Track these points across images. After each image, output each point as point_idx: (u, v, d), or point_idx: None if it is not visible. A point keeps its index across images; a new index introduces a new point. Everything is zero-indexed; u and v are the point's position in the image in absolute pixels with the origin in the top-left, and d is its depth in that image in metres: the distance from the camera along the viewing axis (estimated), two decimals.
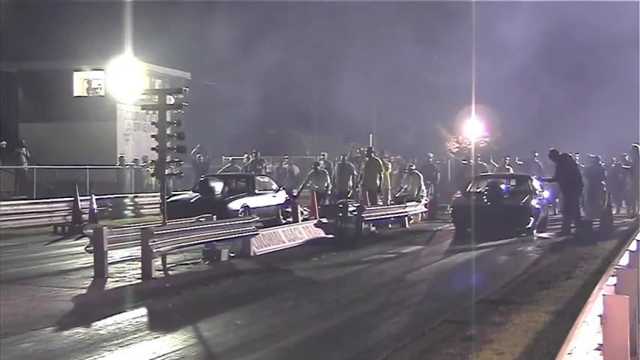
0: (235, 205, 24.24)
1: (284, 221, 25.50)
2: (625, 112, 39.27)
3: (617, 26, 39.78)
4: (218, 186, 25.46)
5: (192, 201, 24.20)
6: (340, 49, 49.74)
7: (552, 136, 40.17)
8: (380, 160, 28.82)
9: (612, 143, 31.18)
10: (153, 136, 17.54)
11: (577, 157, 27.72)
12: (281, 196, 26.78)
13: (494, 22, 42.84)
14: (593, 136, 36.33)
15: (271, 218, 24.55)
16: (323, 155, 34.26)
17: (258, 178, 27.31)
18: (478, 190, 24.37)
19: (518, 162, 32.62)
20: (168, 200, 21.04)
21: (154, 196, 27.94)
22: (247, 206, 24.46)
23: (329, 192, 28.46)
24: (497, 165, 33.25)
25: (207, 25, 44.54)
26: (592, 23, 42.45)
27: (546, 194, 25.89)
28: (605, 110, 42.59)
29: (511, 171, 30.40)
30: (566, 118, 46.66)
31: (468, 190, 25.04)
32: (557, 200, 29.02)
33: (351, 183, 28.55)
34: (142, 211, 29.81)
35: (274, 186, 27.25)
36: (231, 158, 34.55)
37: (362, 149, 31.63)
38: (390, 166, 31.59)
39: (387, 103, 52.38)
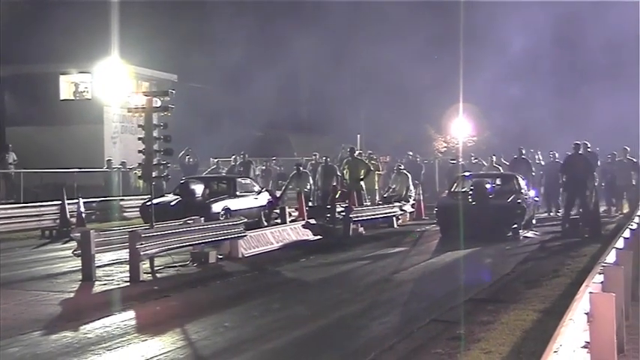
0: (216, 207, 24.06)
1: (266, 223, 25.44)
2: (617, 110, 39.35)
3: (613, 24, 39.86)
4: (198, 188, 25.17)
5: (172, 204, 23.96)
6: (329, 50, 49.70)
7: (543, 134, 40.26)
8: (363, 160, 28.83)
9: (605, 141, 31.09)
10: (140, 138, 17.53)
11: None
12: (263, 198, 26.65)
13: (484, 20, 42.91)
14: (585, 133, 36.12)
15: (253, 220, 24.11)
16: (315, 155, 34.08)
17: (239, 180, 27.06)
18: (463, 190, 24.22)
19: (505, 162, 32.27)
20: (148, 203, 20.94)
21: (142, 199, 27.81)
22: (228, 209, 24.28)
23: (311, 193, 28.44)
24: (486, 164, 33.17)
25: (194, 27, 44.52)
26: (585, 20, 42.55)
27: (532, 193, 25.86)
28: (597, 108, 42.58)
29: (501, 170, 30.14)
30: (558, 116, 46.61)
31: (452, 189, 24.97)
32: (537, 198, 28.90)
33: (335, 184, 28.53)
34: (129, 214, 29.69)
35: (256, 188, 27.14)
36: (215, 160, 34.46)
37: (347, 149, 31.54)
38: (380, 167, 31.56)
39: (375, 103, 52.43)
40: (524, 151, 30.81)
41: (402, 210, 27.86)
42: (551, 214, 29.63)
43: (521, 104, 47.84)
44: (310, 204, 27.09)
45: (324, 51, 48.88)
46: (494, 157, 31.57)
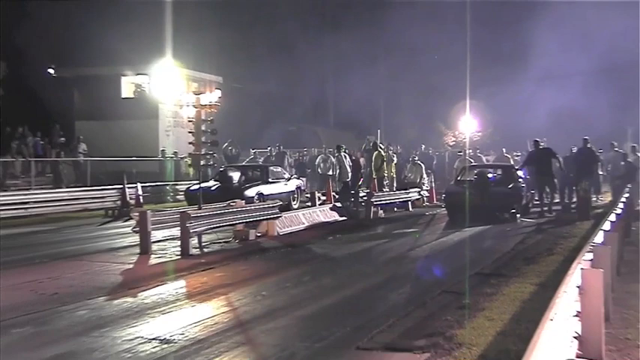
0: (251, 192, 24.31)
1: (295, 206, 25.66)
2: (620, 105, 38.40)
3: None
4: (235, 175, 25.71)
5: (212, 189, 24.16)
6: (355, 52, 49.36)
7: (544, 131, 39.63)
8: (380, 153, 28.82)
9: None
10: (190, 131, 17.68)
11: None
12: (292, 184, 26.95)
13: (492, 18, 42.20)
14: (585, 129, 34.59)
15: (283, 204, 24.18)
16: (342, 147, 33.82)
17: (271, 168, 27.39)
18: (468, 179, 24.14)
19: (486, 156, 32.16)
20: (191, 188, 21.03)
21: (190, 184, 27.93)
22: (261, 193, 24.56)
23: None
24: (491, 157, 33.25)
25: (234, 31, 44.57)
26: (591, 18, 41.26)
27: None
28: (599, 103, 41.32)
29: (511, 160, 29.77)
30: (558, 115, 45.55)
31: (459, 178, 24.93)
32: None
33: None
34: (180, 197, 29.81)
35: (286, 175, 27.58)
36: (253, 151, 34.57)
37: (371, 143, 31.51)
38: (394, 157, 31.45)
39: (394, 101, 52.30)
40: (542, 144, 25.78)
41: (418, 195, 27.99)
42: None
43: (524, 103, 46.89)
44: (353, 192, 27.21)
45: (351, 53, 48.56)
46: (503, 149, 31.81)
